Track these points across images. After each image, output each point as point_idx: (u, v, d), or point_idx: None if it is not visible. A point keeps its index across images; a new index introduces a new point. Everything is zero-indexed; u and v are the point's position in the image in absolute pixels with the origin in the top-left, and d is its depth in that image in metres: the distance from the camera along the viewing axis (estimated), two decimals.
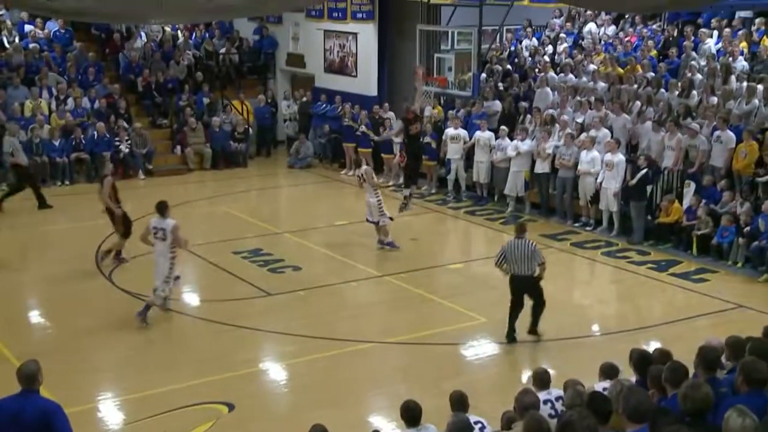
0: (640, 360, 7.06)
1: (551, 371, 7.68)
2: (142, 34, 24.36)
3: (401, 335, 11.73)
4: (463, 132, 18.81)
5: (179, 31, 25.25)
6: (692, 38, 19.06)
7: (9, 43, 22.84)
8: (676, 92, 17.23)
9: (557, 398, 7.09)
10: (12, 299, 13.29)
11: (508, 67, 21.41)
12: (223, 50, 25.10)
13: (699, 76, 17.55)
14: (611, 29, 21.69)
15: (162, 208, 11.82)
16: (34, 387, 6.19)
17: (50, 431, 6.10)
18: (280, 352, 11.44)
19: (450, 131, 18.90)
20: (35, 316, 13.00)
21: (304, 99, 23.63)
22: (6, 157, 18.78)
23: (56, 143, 20.28)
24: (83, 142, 20.44)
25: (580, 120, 17.69)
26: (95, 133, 20.57)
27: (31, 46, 22.75)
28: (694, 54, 18.46)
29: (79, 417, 9.48)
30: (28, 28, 23.48)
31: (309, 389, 10.18)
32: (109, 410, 9.71)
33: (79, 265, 14.47)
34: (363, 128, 20.86)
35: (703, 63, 18.03)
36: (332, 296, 13.41)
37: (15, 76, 21.36)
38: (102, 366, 10.98)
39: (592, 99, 17.95)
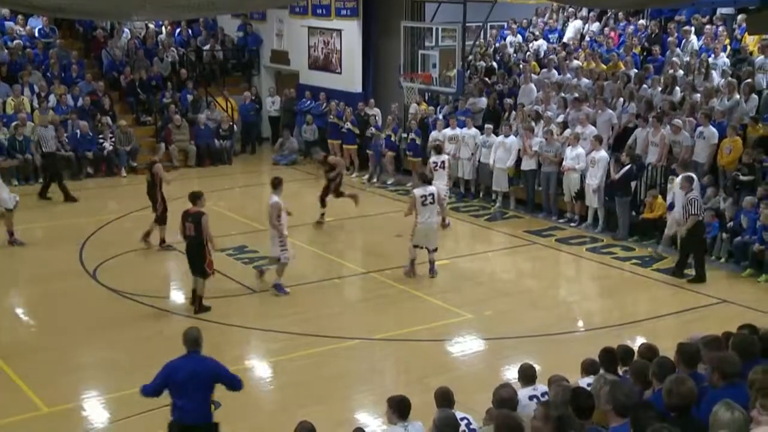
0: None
1: (537, 367, 7.71)
2: (126, 31, 24.24)
3: (387, 332, 11.74)
4: (459, 131, 18.77)
5: (163, 27, 25.17)
6: (675, 34, 19.15)
7: None
8: (659, 88, 17.32)
9: (543, 394, 7.10)
10: None
11: (492, 63, 21.48)
12: (207, 47, 25.04)
13: (681, 72, 17.65)
14: (595, 26, 21.76)
15: (425, 178, 14.31)
16: (199, 348, 7.46)
17: (220, 382, 7.51)
18: (265, 350, 11.45)
19: (448, 132, 18.86)
20: (19, 315, 12.93)
21: (288, 96, 23.60)
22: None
23: None
24: (66, 140, 20.30)
25: (560, 120, 17.72)
26: (78, 131, 20.47)
27: (13, 43, 22.59)
28: (678, 50, 18.55)
29: (64, 415, 9.50)
30: (8, 24, 23.31)
31: (295, 386, 10.18)
32: (94, 409, 9.67)
33: (63, 263, 14.40)
34: (348, 125, 20.82)
35: (687, 59, 18.12)
36: (318, 293, 13.40)
37: None
38: (87, 364, 10.94)
39: (576, 95, 18.00)
